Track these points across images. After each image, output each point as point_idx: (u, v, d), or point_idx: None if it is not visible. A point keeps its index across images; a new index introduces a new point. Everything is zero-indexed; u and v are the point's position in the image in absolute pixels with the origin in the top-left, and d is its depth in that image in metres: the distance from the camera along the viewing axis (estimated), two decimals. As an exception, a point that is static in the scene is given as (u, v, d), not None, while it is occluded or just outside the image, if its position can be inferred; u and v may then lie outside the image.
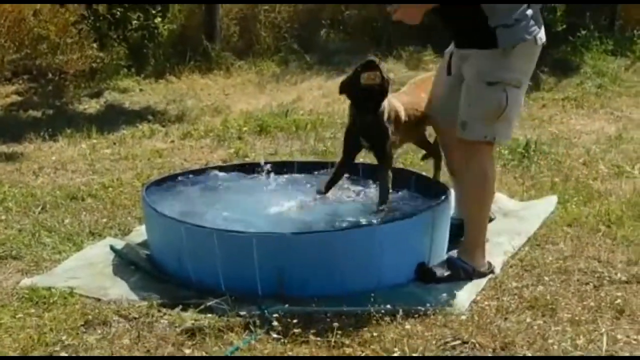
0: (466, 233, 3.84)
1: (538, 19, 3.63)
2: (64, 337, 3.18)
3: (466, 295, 3.56)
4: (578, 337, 3.19)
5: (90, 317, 3.35)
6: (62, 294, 3.53)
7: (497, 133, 3.67)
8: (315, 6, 9.78)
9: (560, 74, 8.71)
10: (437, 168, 4.45)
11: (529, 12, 3.58)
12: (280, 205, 4.06)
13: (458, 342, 3.16)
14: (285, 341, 3.14)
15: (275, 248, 3.54)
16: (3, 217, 4.58)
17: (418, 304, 3.42)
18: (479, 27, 3.57)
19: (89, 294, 3.57)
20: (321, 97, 7.94)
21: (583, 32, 9.33)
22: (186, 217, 3.83)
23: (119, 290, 3.62)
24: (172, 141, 6.42)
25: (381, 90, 3.85)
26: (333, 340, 3.14)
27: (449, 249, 3.95)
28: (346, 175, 4.22)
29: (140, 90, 8.10)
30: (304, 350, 3.10)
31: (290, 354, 3.08)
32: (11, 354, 3.09)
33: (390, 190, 4.00)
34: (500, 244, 4.07)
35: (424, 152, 4.71)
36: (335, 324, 3.21)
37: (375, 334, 3.19)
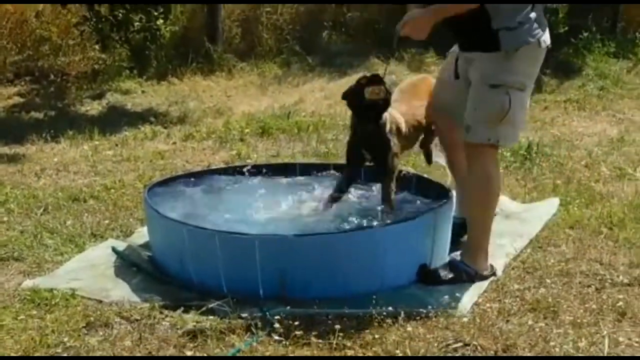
0: (469, 236, 3.84)
1: (542, 22, 3.63)
2: (65, 339, 3.19)
3: (468, 297, 3.56)
4: (580, 339, 3.18)
5: (92, 318, 3.35)
6: (63, 295, 3.54)
7: (500, 136, 3.67)
8: (317, 8, 9.77)
9: (563, 76, 8.71)
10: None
11: (533, 15, 3.58)
12: (281, 208, 4.06)
13: (460, 344, 3.16)
14: (287, 343, 3.14)
15: (277, 250, 3.54)
16: (5, 219, 4.59)
17: (420, 306, 3.42)
18: (482, 30, 3.57)
19: (91, 296, 3.58)
20: (323, 99, 7.94)
21: (585, 34, 9.34)
22: (188, 218, 3.84)
23: (121, 291, 3.62)
24: (174, 143, 6.42)
25: (384, 103, 3.87)
26: (335, 342, 3.13)
27: (450, 249, 3.95)
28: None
29: (143, 91, 8.10)
30: (305, 352, 3.10)
31: (291, 355, 3.08)
32: (13, 355, 3.09)
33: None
34: (502, 246, 4.07)
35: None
36: (337, 326, 3.21)
37: (377, 336, 3.19)
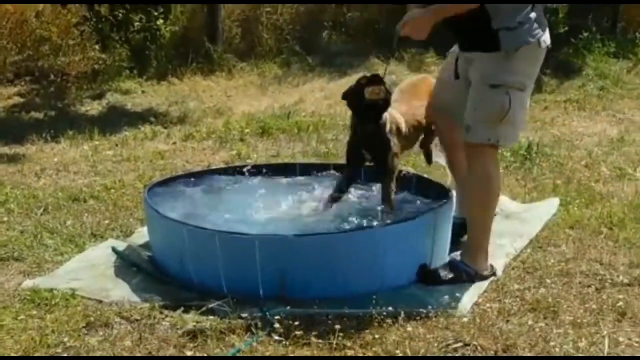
0: (469, 236, 3.84)
1: (542, 22, 3.63)
2: (65, 339, 3.19)
3: (468, 297, 3.56)
4: (580, 339, 3.18)
5: (92, 318, 3.35)
6: (63, 295, 3.54)
7: (500, 136, 3.67)
8: (317, 8, 9.77)
9: (562, 76, 8.71)
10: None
11: (533, 15, 3.58)
12: (281, 208, 4.06)
13: (460, 344, 3.16)
14: (287, 343, 3.14)
15: (277, 250, 3.54)
16: (5, 219, 4.59)
17: (420, 306, 3.42)
18: (482, 30, 3.57)
19: (91, 296, 3.58)
20: (323, 99, 7.94)
21: (585, 34, 9.33)
22: (188, 218, 3.84)
23: (121, 291, 3.62)
24: (174, 143, 6.42)
25: (384, 103, 3.87)
26: (335, 342, 3.13)
27: (450, 249, 3.95)
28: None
29: (143, 91, 8.10)
30: (305, 352, 3.10)
31: (291, 355, 3.08)
32: (13, 355, 3.09)
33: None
34: (502, 246, 4.07)
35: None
36: (337, 326, 3.21)
37: (377, 336, 3.19)
